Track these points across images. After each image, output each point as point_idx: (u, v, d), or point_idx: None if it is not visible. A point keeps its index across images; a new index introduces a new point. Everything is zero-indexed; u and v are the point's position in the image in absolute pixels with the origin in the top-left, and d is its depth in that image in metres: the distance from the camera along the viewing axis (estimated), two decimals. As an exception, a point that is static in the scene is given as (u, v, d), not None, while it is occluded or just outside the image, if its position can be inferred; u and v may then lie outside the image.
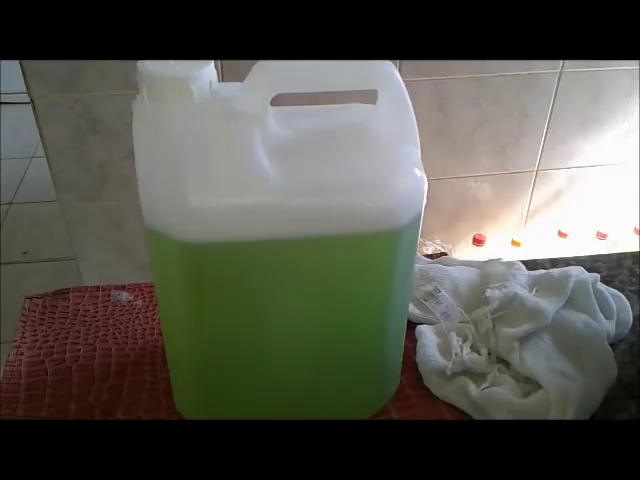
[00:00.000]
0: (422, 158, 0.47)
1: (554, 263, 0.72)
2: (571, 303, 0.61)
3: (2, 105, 2.35)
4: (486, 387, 0.55)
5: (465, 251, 1.35)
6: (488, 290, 0.61)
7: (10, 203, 1.91)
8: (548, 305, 0.59)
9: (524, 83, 1.20)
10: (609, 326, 0.61)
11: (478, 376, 0.57)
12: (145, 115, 0.44)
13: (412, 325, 0.61)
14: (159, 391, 0.57)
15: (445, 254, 0.75)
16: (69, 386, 0.58)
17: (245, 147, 0.43)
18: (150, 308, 0.66)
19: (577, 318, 0.60)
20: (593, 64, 1.21)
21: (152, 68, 0.42)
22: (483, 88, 1.19)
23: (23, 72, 1.01)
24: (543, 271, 0.65)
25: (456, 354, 0.57)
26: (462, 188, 1.31)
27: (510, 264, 0.66)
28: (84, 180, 1.11)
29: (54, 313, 0.65)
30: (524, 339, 0.57)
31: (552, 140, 1.28)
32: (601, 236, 1.31)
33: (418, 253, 0.63)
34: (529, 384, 0.55)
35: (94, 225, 1.16)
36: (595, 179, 1.36)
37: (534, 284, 0.63)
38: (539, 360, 0.56)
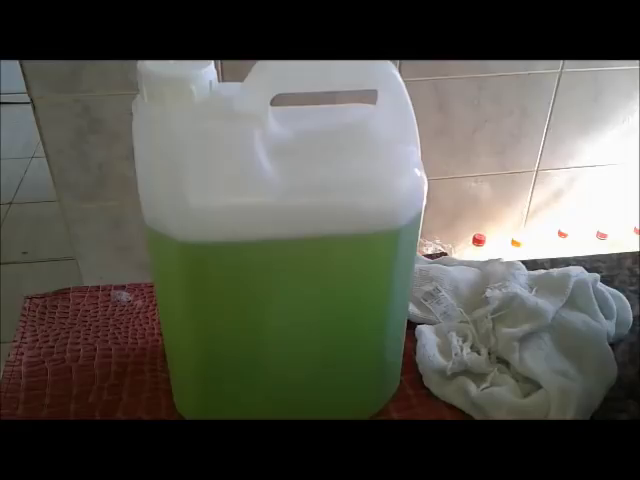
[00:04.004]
0: (422, 158, 0.47)
1: (554, 263, 0.72)
2: (571, 303, 0.61)
3: (2, 105, 2.35)
4: (486, 387, 0.55)
5: (465, 251, 1.35)
6: (488, 290, 0.61)
7: (10, 203, 1.92)
8: (548, 305, 0.59)
9: (524, 83, 1.20)
10: (609, 326, 0.61)
11: (478, 376, 0.56)
12: (145, 115, 0.44)
13: (412, 325, 0.61)
14: (159, 391, 0.57)
15: (445, 254, 0.75)
16: (69, 386, 0.58)
17: (245, 147, 0.43)
18: (150, 308, 0.66)
19: (577, 318, 0.60)
20: (593, 64, 1.21)
21: (152, 68, 0.42)
22: (483, 88, 1.19)
23: (23, 72, 1.01)
24: (543, 271, 0.65)
25: (456, 354, 0.57)
26: (462, 188, 1.31)
27: (510, 264, 0.66)
28: (84, 180, 1.11)
29: (54, 313, 0.65)
30: (524, 339, 0.57)
31: (552, 140, 1.28)
32: (601, 236, 1.31)
33: (418, 253, 0.63)
34: (529, 384, 0.55)
35: (94, 225, 1.16)
36: (595, 179, 1.36)
37: (534, 284, 0.63)
38: (539, 360, 0.56)
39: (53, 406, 0.56)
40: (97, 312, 0.66)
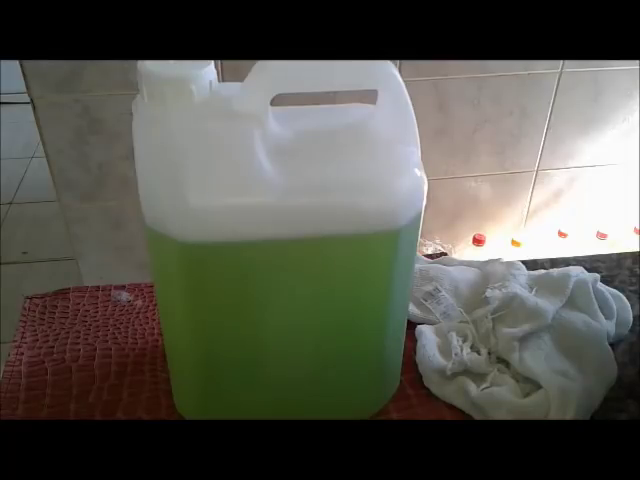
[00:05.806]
0: (422, 158, 0.47)
1: (554, 263, 0.72)
2: (571, 303, 0.61)
3: (2, 105, 2.35)
4: (486, 387, 0.55)
5: (465, 251, 1.35)
6: (488, 290, 0.61)
7: (10, 203, 1.92)
8: (548, 305, 0.59)
9: (524, 83, 1.20)
10: (609, 326, 0.61)
11: (478, 376, 0.56)
12: (145, 115, 0.44)
13: (412, 325, 0.61)
14: (159, 391, 0.57)
15: (445, 254, 0.75)
16: (69, 386, 0.58)
17: (245, 147, 0.43)
18: (150, 308, 0.66)
19: (577, 318, 0.60)
20: (593, 64, 1.21)
21: (152, 68, 0.42)
22: (483, 88, 1.19)
23: (23, 72, 1.01)
24: (543, 271, 0.65)
25: (456, 354, 0.57)
26: (462, 188, 1.31)
27: (510, 264, 0.66)
28: (84, 180, 1.11)
29: (54, 313, 0.65)
30: (524, 339, 0.57)
31: (552, 140, 1.28)
32: (601, 236, 1.31)
33: (418, 253, 0.63)
34: (529, 384, 0.55)
35: (94, 225, 1.16)
36: (595, 179, 1.36)
37: (534, 284, 0.63)
38: (539, 360, 0.56)
39: (53, 406, 0.56)
40: (97, 312, 0.66)
